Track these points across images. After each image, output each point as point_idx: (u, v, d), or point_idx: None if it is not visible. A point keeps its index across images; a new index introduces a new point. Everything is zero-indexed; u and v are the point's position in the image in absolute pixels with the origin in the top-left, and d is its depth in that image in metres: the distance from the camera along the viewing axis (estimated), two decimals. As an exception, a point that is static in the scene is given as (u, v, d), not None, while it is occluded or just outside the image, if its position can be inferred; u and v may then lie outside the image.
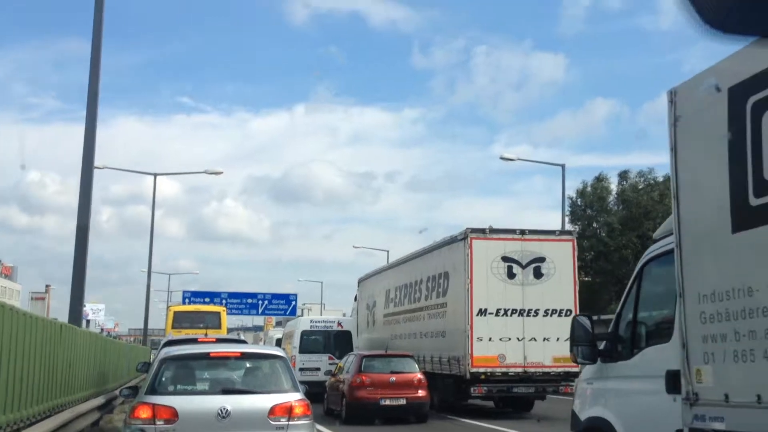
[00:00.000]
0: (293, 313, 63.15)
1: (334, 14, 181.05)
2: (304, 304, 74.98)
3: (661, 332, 6.78)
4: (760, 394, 5.12)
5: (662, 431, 6.35)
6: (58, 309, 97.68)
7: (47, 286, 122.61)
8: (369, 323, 28.78)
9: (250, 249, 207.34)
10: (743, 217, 5.34)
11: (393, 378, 18.68)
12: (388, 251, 57.98)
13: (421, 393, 18.51)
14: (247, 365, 9.71)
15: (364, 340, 28.04)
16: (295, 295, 65.18)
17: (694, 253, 5.92)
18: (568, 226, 37.04)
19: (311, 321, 29.29)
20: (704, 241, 5.83)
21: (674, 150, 6.12)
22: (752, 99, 5.27)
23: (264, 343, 49.55)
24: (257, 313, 66.44)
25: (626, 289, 7.46)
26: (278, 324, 72.71)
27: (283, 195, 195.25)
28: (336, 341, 27.09)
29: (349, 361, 20.20)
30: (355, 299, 32.26)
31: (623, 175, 49.93)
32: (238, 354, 9.76)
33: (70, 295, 18.87)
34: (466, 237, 19.46)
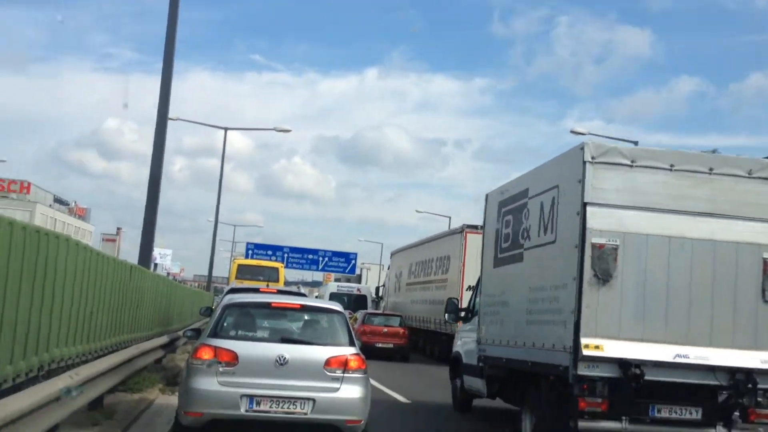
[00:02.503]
0: (352, 271, 64.32)
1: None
2: (363, 264, 71.93)
3: (479, 309, 13.31)
4: (494, 339, 11.68)
5: (475, 358, 12.91)
6: (128, 251, 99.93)
7: (118, 228, 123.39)
8: (396, 289, 35.63)
9: (315, 207, 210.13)
10: (496, 262, 11.87)
11: (385, 329, 27.21)
12: (450, 218, 56.84)
13: (404, 341, 26.87)
14: (306, 318, 9.84)
15: (391, 303, 35.17)
16: (355, 254, 64.52)
17: (485, 274, 12.50)
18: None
19: (338, 286, 39.60)
20: (487, 269, 12.39)
21: (483, 226, 12.67)
22: (503, 209, 11.75)
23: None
24: (317, 269, 66.57)
25: (475, 285, 13.98)
26: (337, 281, 75.58)
27: (351, 156, 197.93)
28: (355, 301, 36.04)
29: (359, 316, 28.10)
30: (388, 268, 39.22)
31: None
32: (298, 306, 9.77)
33: (140, 238, 19.49)
34: (462, 231, 25.91)
